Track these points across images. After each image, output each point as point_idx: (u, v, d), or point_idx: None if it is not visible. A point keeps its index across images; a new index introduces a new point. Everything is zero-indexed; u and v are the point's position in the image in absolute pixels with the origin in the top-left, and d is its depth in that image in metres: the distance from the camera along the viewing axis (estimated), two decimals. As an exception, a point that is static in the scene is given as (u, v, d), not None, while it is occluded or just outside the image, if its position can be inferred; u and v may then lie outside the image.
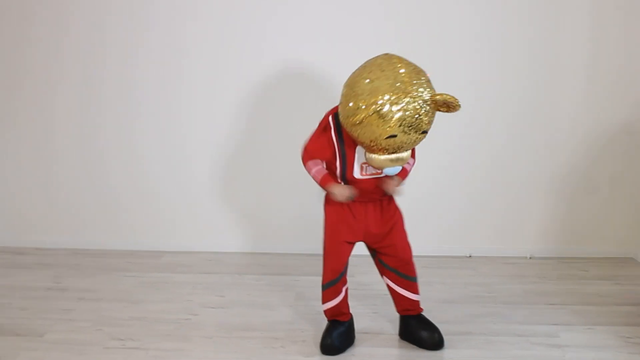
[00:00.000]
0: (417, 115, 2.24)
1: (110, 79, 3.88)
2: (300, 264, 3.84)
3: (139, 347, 2.81)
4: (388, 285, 2.82)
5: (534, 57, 3.66)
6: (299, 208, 3.95)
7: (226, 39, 3.77)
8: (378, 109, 2.22)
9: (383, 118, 2.23)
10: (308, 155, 2.64)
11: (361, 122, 2.26)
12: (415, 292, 2.79)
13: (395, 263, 2.74)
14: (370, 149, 2.37)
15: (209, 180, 3.98)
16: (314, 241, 3.98)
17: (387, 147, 2.33)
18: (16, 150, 4.05)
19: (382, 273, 2.83)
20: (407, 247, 2.75)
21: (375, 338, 2.89)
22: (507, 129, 3.77)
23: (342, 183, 2.61)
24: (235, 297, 3.37)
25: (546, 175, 3.81)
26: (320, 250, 3.89)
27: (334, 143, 2.53)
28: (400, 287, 2.77)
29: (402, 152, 2.37)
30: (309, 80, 3.74)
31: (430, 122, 2.31)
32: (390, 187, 2.58)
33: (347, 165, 2.55)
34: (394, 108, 2.21)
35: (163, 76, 3.86)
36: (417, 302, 2.81)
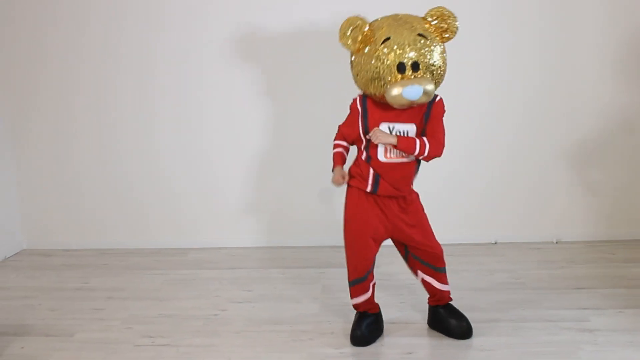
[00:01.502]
0: (406, 19, 2.48)
1: (127, 80, 3.91)
2: (324, 256, 3.85)
3: (169, 344, 2.82)
4: (423, 280, 2.80)
5: (550, 43, 3.65)
6: (321, 201, 3.95)
7: (239, 36, 3.78)
8: (369, 26, 2.51)
9: (372, 31, 2.48)
10: (338, 133, 2.75)
11: (363, 44, 2.48)
12: (445, 282, 2.78)
13: (428, 257, 2.72)
14: (383, 79, 2.44)
15: (230, 176, 4.00)
16: (336, 233, 3.99)
17: (391, 57, 2.41)
18: (39, 155, 4.10)
19: (415, 268, 2.81)
20: (436, 241, 2.73)
21: (403, 328, 2.88)
22: (528, 112, 3.75)
23: (370, 168, 2.61)
24: (262, 291, 3.38)
25: (569, 158, 3.78)
26: (340, 243, 3.90)
27: (358, 116, 2.59)
28: (434, 279, 2.76)
29: (417, 77, 2.42)
30: (324, 74, 3.73)
31: (421, 27, 2.45)
32: (376, 133, 2.50)
33: (370, 145, 2.56)
34: (384, 21, 2.51)
35: (179, 74, 3.88)
36: (447, 292, 2.80)
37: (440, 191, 3.70)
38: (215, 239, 4.10)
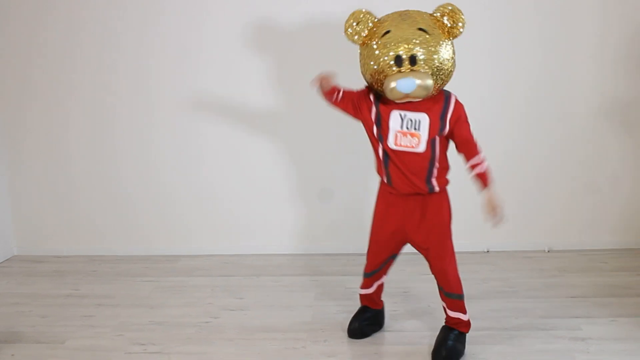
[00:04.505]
0: (411, 15, 2.48)
1: (121, 84, 3.89)
2: (317, 264, 3.84)
3: (160, 352, 2.80)
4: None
5: (544, 50, 3.66)
6: (313, 209, 3.96)
7: (236, 38, 3.77)
8: (376, 21, 2.54)
9: (377, 25, 2.50)
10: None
11: (368, 38, 2.49)
12: (454, 309, 2.67)
13: (433, 271, 2.68)
14: (383, 72, 2.43)
15: (221, 184, 3.98)
16: (329, 241, 3.99)
17: (389, 51, 2.40)
18: (31, 161, 4.07)
19: None
20: (444, 255, 2.64)
21: (396, 336, 2.88)
22: (521, 121, 3.76)
23: (381, 155, 2.58)
24: (254, 298, 3.37)
25: (562, 167, 3.79)
26: (336, 250, 3.91)
27: (371, 99, 2.58)
28: (441, 298, 2.70)
29: (414, 71, 2.39)
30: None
31: (424, 23, 2.44)
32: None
33: (382, 128, 2.52)
34: (389, 16, 2.52)
35: (174, 80, 3.86)
36: (456, 319, 2.69)
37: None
38: (207, 246, 4.08)
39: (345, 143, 3.75)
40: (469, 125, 2.57)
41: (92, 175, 4.04)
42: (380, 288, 2.88)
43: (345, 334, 2.88)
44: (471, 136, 2.58)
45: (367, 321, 2.88)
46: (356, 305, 3.07)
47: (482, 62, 3.67)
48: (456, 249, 3.87)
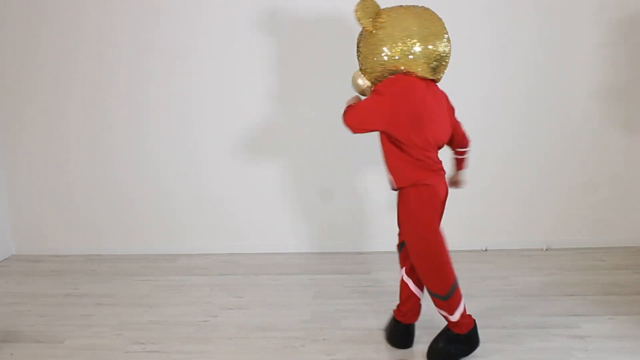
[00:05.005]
0: None
1: (120, 84, 3.90)
2: (315, 262, 3.84)
3: (159, 351, 2.80)
4: None
5: (544, 50, 3.67)
6: (312, 208, 3.96)
7: (237, 40, 3.78)
8: None
9: None
10: None
11: None
12: (438, 307, 2.59)
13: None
14: None
15: (220, 183, 3.99)
16: (327, 240, 3.99)
17: None
18: (30, 161, 4.07)
19: None
20: (413, 254, 2.60)
21: (395, 334, 2.88)
22: (521, 120, 3.77)
23: None
24: (253, 297, 3.37)
25: (561, 166, 3.80)
26: (335, 249, 3.89)
27: None
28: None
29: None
30: (329, 71, 3.76)
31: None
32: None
33: None
34: None
35: (172, 80, 3.87)
36: (446, 319, 2.61)
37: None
38: (206, 245, 4.09)
39: (345, 143, 3.75)
40: (368, 97, 2.51)
41: (90, 175, 4.04)
42: (402, 286, 2.78)
43: (344, 332, 2.89)
44: (357, 106, 2.51)
45: (394, 333, 2.80)
46: (355, 304, 3.08)
47: (482, 62, 3.68)
48: (454, 247, 3.85)
